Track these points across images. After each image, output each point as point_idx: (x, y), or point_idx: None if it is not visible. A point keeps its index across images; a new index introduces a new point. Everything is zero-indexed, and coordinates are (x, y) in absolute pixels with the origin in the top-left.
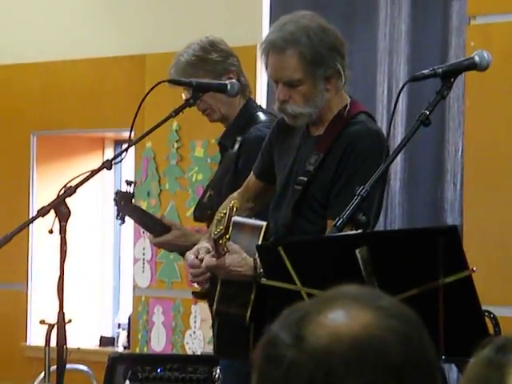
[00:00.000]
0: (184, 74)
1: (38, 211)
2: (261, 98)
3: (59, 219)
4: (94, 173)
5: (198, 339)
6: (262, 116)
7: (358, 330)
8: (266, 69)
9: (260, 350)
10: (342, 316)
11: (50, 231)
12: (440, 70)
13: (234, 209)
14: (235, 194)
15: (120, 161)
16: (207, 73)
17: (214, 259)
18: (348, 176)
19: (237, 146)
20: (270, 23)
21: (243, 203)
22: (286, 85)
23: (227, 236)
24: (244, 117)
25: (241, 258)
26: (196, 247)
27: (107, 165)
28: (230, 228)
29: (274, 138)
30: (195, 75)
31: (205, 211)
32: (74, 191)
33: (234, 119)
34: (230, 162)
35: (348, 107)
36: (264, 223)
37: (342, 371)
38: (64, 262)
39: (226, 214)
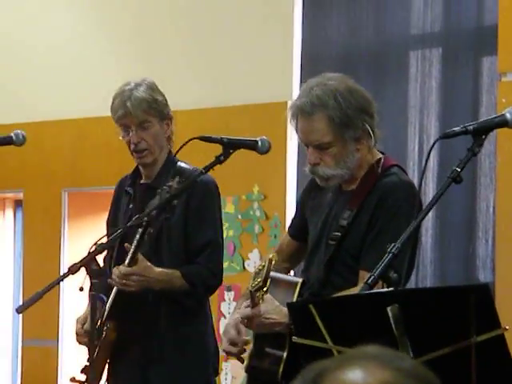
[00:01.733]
0: (139, 109)
1: (69, 268)
2: (291, 155)
3: (89, 276)
4: (125, 229)
5: None
6: (184, 165)
7: None
8: (297, 132)
9: None
10: (359, 374)
11: (81, 289)
12: (471, 128)
13: (273, 262)
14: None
15: None
16: (156, 113)
17: (249, 309)
18: (381, 228)
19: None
20: (301, 80)
21: (279, 263)
22: (316, 148)
23: (265, 289)
24: (172, 165)
25: (275, 306)
26: (235, 318)
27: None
28: (268, 281)
29: (307, 196)
30: (148, 113)
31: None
32: (104, 249)
33: (164, 165)
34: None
35: (381, 161)
36: (300, 280)
37: None
38: (95, 320)
39: (264, 266)
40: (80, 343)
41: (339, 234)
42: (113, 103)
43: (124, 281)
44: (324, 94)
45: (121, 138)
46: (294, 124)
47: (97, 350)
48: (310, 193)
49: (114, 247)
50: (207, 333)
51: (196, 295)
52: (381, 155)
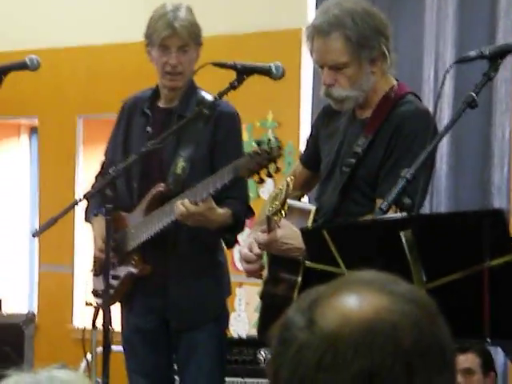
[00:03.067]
0: (186, 30)
1: (84, 195)
2: (306, 82)
3: (104, 202)
4: (139, 155)
5: (243, 322)
6: (205, 94)
7: (369, 314)
8: (312, 54)
9: (275, 333)
10: (354, 299)
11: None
12: (487, 52)
13: (291, 185)
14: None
15: None
16: (196, 38)
17: (266, 234)
18: (398, 156)
19: (203, 119)
20: (316, 7)
21: (291, 191)
22: (331, 69)
23: (282, 212)
24: (194, 92)
25: (292, 231)
26: (249, 241)
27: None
28: (286, 204)
29: (320, 125)
30: (191, 36)
31: (181, 184)
32: (118, 175)
33: (187, 92)
34: (198, 134)
35: (395, 88)
36: (313, 207)
37: (350, 354)
38: (109, 244)
39: (281, 190)
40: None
41: (353, 160)
42: (154, 24)
43: (186, 217)
44: (341, 14)
45: (154, 59)
46: (309, 45)
47: (122, 278)
48: (323, 120)
49: (132, 169)
50: (222, 262)
51: (237, 230)
52: (395, 82)
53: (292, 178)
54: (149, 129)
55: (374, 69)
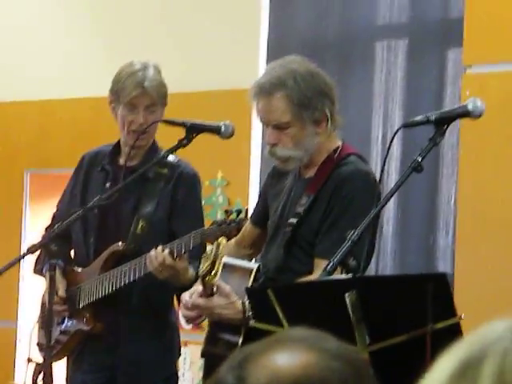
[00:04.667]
0: (155, 91)
1: (28, 249)
2: (256, 141)
3: (48, 256)
4: (85, 210)
5: (187, 381)
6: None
7: (298, 370)
8: (257, 112)
9: None
10: (283, 357)
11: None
12: (433, 117)
13: (221, 246)
14: (232, 241)
15: None
16: (163, 98)
17: (201, 299)
18: (335, 215)
19: (162, 178)
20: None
21: (241, 250)
22: (275, 128)
23: (213, 272)
24: (155, 151)
25: (229, 301)
26: (193, 288)
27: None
28: (217, 264)
29: (269, 184)
30: (159, 96)
31: (140, 243)
32: (64, 229)
33: (149, 151)
34: (158, 194)
35: (339, 149)
36: (255, 265)
37: None
38: (52, 299)
39: (212, 250)
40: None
41: (295, 220)
42: (123, 81)
43: (161, 269)
44: (284, 74)
45: (118, 116)
46: (254, 104)
47: (71, 334)
48: (271, 180)
49: (89, 223)
50: (173, 323)
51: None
52: (340, 143)
53: (222, 238)
54: (108, 185)
55: (318, 129)
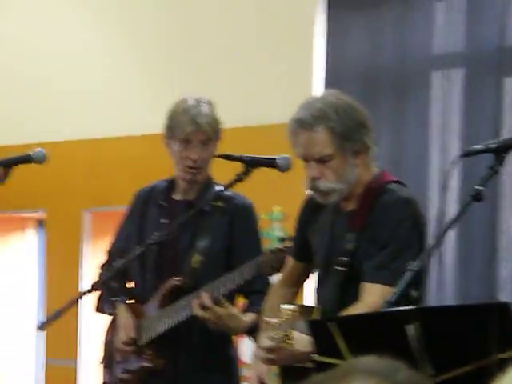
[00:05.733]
0: (210, 126)
1: (89, 288)
2: None
3: (110, 295)
4: (144, 247)
5: None
6: (221, 187)
7: None
8: (294, 148)
9: None
10: None
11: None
12: (493, 145)
13: (296, 314)
14: (277, 284)
15: None
16: (217, 133)
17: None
18: (381, 243)
19: (217, 212)
20: None
21: (287, 290)
22: (317, 162)
23: (288, 341)
24: (210, 185)
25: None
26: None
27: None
28: (291, 333)
29: (305, 219)
30: (213, 131)
31: (197, 277)
32: (124, 266)
33: (204, 186)
34: (214, 228)
35: (377, 178)
36: (315, 306)
37: None
38: (112, 339)
39: (283, 319)
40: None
41: (346, 258)
42: (177, 118)
43: (212, 318)
44: (325, 107)
45: (173, 152)
46: (292, 139)
47: (134, 372)
48: (308, 214)
49: (147, 260)
50: (234, 357)
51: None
52: (377, 171)
53: (295, 307)
54: (164, 220)
55: (357, 161)
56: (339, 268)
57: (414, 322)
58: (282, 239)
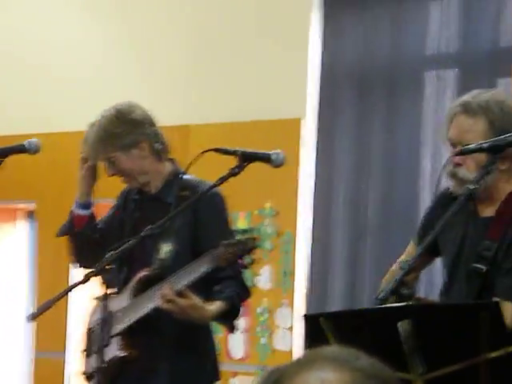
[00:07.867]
0: (95, 151)
1: (85, 276)
2: (304, 172)
3: (105, 285)
4: (139, 239)
5: None
6: (189, 177)
7: None
8: (449, 130)
9: None
10: (316, 378)
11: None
12: (485, 145)
13: None
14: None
15: None
16: (116, 148)
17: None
18: None
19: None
20: (320, 99)
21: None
22: None
23: None
24: (176, 177)
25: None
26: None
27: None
28: None
29: (435, 215)
30: (105, 151)
31: (167, 267)
32: (118, 258)
33: (169, 178)
34: (181, 217)
35: None
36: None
37: None
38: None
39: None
40: None
41: (483, 267)
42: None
43: (171, 305)
44: (492, 101)
45: None
46: (448, 120)
47: (107, 362)
48: (437, 210)
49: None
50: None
51: (232, 316)
52: None
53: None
54: (136, 214)
55: (502, 166)
56: (475, 276)
57: (406, 319)
58: (245, 231)
